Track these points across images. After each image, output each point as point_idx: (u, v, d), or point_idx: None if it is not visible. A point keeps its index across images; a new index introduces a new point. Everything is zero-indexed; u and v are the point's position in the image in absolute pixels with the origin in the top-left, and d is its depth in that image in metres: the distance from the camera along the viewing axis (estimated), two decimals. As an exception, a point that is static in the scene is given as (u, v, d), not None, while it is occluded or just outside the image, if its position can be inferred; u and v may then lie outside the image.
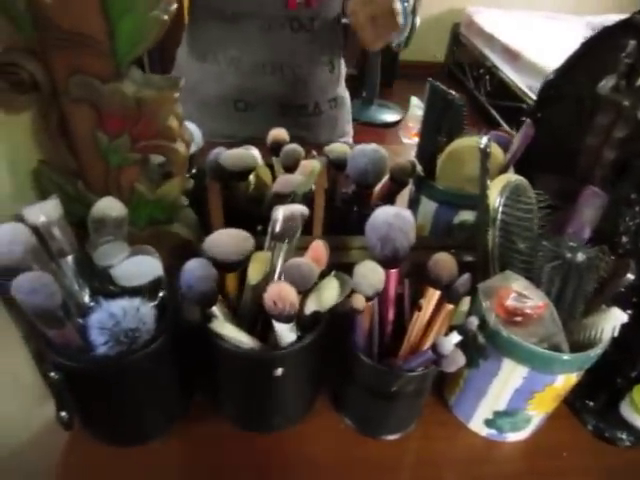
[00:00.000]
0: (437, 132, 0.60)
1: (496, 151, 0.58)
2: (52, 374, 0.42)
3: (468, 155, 0.58)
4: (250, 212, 0.62)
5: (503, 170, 0.59)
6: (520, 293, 0.41)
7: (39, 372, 0.52)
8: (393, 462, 0.52)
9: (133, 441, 0.50)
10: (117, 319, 0.38)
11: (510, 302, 0.41)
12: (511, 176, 0.50)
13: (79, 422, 0.50)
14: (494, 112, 2.86)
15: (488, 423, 0.52)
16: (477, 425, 0.53)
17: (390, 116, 2.76)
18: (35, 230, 0.40)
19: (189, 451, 0.51)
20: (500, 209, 0.48)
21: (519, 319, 0.41)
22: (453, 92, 0.57)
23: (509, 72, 2.78)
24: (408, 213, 0.47)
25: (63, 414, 0.46)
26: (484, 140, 0.47)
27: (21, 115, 0.45)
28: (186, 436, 0.52)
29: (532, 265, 0.47)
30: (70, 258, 0.43)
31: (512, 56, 2.77)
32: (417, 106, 0.71)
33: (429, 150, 0.63)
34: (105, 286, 0.44)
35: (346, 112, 1.03)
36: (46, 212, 0.41)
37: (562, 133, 0.64)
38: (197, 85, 0.92)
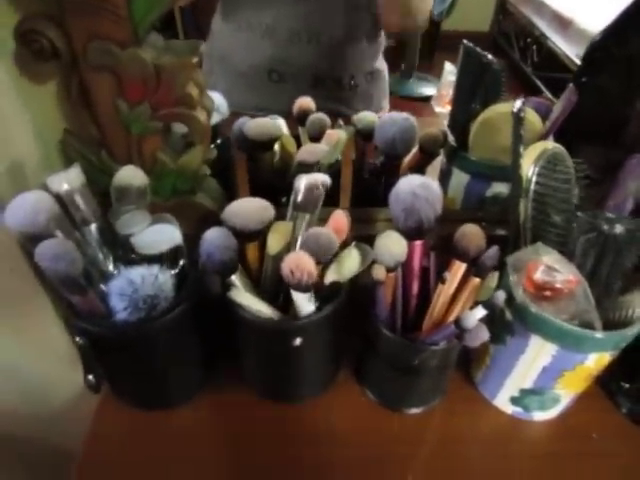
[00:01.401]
0: (471, 99, 0.57)
1: (533, 118, 0.54)
2: (77, 339, 0.43)
3: (503, 123, 0.55)
4: (275, 183, 0.61)
5: (541, 139, 0.55)
6: (550, 266, 0.39)
7: (71, 338, 0.55)
8: (415, 436, 0.51)
9: (158, 406, 0.52)
10: (135, 286, 0.38)
11: (539, 275, 0.38)
12: (547, 143, 0.47)
13: (107, 386, 0.52)
14: (540, 84, 2.71)
15: (514, 401, 0.50)
16: (503, 403, 0.52)
17: (429, 90, 2.66)
18: (58, 198, 0.41)
19: (213, 417, 0.52)
20: (534, 179, 0.45)
21: (548, 294, 0.39)
22: (490, 56, 0.53)
23: (558, 41, 2.61)
24: (435, 183, 0.45)
25: (90, 377, 0.47)
26: (517, 104, 0.44)
27: (47, 84, 0.45)
28: (211, 402, 0.53)
29: (567, 239, 0.44)
30: (93, 226, 0.44)
31: (563, 24, 2.60)
32: (451, 72, 0.68)
33: (462, 118, 0.60)
34: (127, 254, 0.45)
35: (383, 86, 1.00)
36: (69, 181, 0.42)
37: (609, 99, 0.59)
38: (230, 54, 0.90)
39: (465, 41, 0.55)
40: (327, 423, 0.52)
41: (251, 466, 0.49)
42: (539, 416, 0.51)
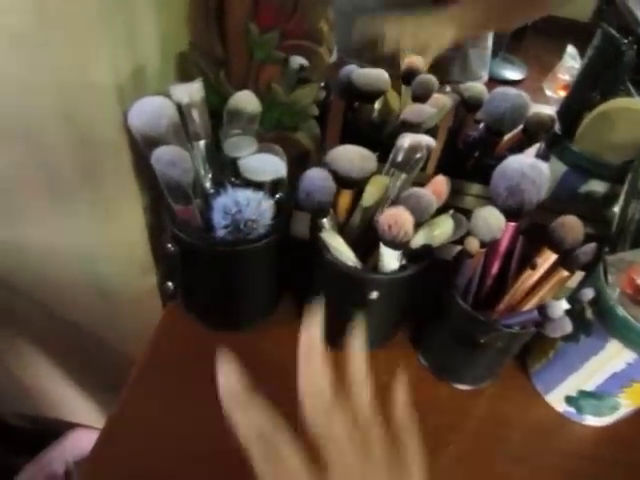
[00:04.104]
0: (593, 87, 0.54)
1: (657, 119, 0.51)
2: (169, 246, 0.45)
3: (621, 118, 0.53)
4: (370, 137, 0.61)
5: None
6: (658, 273, 0.38)
7: (150, 245, 0.57)
8: (460, 410, 0.52)
9: (223, 326, 0.54)
10: (240, 207, 0.39)
11: (644, 280, 0.37)
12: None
13: (180, 297, 0.54)
14: (632, 88, 2.54)
15: (569, 400, 0.50)
16: (555, 399, 0.52)
17: (512, 73, 2.51)
18: (179, 108, 0.42)
19: (271, 348, 0.54)
20: (651, 183, 0.44)
21: (646, 300, 0.38)
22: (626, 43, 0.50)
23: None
24: (545, 166, 0.44)
25: (169, 284, 0.49)
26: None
27: (180, -5, 0.46)
28: (271, 333, 0.55)
29: (672, 250, 0.43)
30: (202, 143, 0.45)
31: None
32: (572, 56, 0.64)
33: (576, 106, 0.57)
34: (228, 177, 0.46)
35: (485, 54, 0.94)
36: (190, 93, 0.43)
37: None
38: None
39: (604, 24, 0.52)
40: (374, 376, 0.53)
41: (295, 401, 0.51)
42: (591, 420, 0.50)
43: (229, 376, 0.32)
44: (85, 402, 0.96)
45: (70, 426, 1.00)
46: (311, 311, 0.34)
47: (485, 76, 0.96)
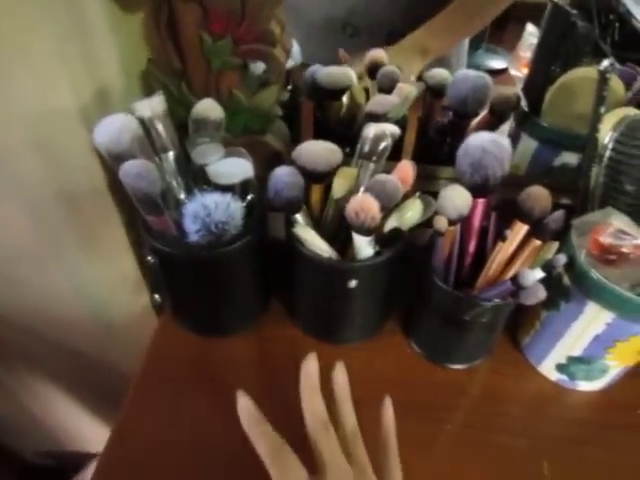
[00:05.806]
0: (551, 61, 0.55)
1: (617, 84, 0.52)
2: (149, 258, 0.46)
3: (582, 88, 0.53)
4: (340, 134, 0.62)
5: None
6: (620, 229, 0.38)
7: (137, 262, 0.58)
8: (456, 390, 0.52)
9: (213, 332, 0.55)
10: (209, 210, 0.40)
11: (606, 237, 0.38)
12: (630, 109, 0.45)
13: (170, 309, 0.55)
14: (618, 65, 2.54)
15: (560, 368, 0.51)
16: (548, 369, 0.52)
17: (497, 63, 2.52)
18: (142, 123, 0.43)
19: (262, 350, 0.55)
20: (610, 145, 0.44)
21: (613, 258, 0.39)
22: (576, 14, 0.51)
23: (645, 17, 2.43)
24: (506, 141, 0.44)
25: (156, 297, 0.51)
26: (604, 62, 0.43)
27: (135, 14, 0.47)
28: (261, 335, 0.56)
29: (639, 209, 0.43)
30: (171, 154, 0.46)
31: (652, -3, 2.40)
32: (532, 34, 0.65)
33: (539, 81, 0.58)
34: (199, 184, 0.47)
35: (462, 52, 0.96)
36: (152, 107, 0.44)
37: None
38: (304, 5, 0.89)
39: (553, -2, 0.53)
40: (368, 367, 0.54)
41: (291, 397, 0.51)
42: (584, 386, 0.51)
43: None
44: (104, 431, 0.97)
45: (93, 457, 1.01)
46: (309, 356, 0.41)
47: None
